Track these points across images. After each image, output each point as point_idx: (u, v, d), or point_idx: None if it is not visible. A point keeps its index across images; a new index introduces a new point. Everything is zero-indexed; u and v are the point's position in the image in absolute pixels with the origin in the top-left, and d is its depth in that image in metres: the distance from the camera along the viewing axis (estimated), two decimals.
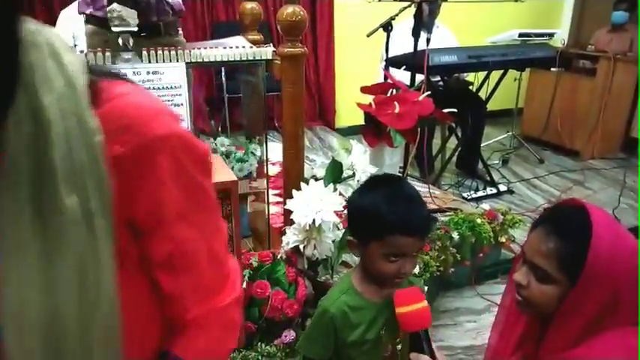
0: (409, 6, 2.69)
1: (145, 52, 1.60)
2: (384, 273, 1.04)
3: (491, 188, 3.45)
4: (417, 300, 1.01)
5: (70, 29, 2.91)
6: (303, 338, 1.20)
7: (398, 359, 1.14)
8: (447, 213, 2.64)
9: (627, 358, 0.85)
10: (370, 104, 1.89)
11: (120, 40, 1.56)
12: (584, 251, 0.86)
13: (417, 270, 1.96)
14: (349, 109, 4.73)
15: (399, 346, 1.13)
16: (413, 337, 0.99)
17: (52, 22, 3.25)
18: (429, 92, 1.94)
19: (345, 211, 1.63)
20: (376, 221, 1.02)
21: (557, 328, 0.92)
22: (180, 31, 2.19)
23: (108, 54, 1.56)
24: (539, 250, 0.93)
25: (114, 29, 1.53)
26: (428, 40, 2.68)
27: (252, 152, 2.00)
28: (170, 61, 1.64)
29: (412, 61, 2.72)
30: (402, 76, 2.81)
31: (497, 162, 4.13)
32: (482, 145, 3.81)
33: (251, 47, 1.81)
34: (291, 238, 1.65)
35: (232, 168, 1.87)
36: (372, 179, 1.21)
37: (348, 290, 1.11)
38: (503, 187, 3.51)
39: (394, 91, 1.98)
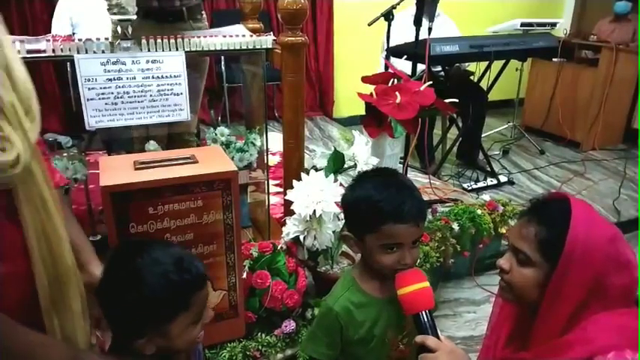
0: None
1: (144, 41, 1.59)
2: (385, 265, 1.02)
3: (492, 179, 3.45)
4: (418, 280, 1.00)
5: (67, 16, 2.90)
6: (307, 339, 1.18)
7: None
8: (448, 204, 2.64)
9: (622, 337, 0.87)
10: (371, 94, 1.88)
11: (118, 29, 1.55)
12: (563, 235, 0.90)
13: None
14: (348, 99, 4.72)
15: (406, 341, 1.13)
16: (417, 321, 0.98)
17: (51, 8, 3.22)
18: (430, 82, 1.93)
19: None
20: (369, 212, 1.01)
21: (545, 317, 0.94)
22: (204, 15, 2.19)
23: (107, 42, 1.54)
24: (520, 234, 0.97)
25: (112, 17, 1.51)
26: (429, 30, 2.66)
27: (252, 142, 1.99)
28: (169, 49, 1.63)
29: (413, 51, 2.70)
30: (403, 65, 2.80)
31: (497, 153, 4.12)
32: (482, 135, 3.80)
33: (251, 36, 1.79)
34: (291, 229, 1.65)
35: (232, 158, 1.86)
36: (362, 174, 1.20)
37: (350, 287, 1.10)
38: (503, 178, 3.50)
39: (395, 80, 1.96)
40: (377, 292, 1.09)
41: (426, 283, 1.00)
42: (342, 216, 1.68)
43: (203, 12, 2.20)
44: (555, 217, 0.93)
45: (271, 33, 1.85)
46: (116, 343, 0.97)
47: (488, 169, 3.55)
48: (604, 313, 0.89)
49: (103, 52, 1.54)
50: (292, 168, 1.84)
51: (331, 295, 1.13)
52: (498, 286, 1.05)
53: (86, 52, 1.52)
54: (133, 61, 1.59)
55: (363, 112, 1.97)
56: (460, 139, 3.60)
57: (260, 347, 1.57)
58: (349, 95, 4.63)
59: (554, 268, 0.91)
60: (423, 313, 0.97)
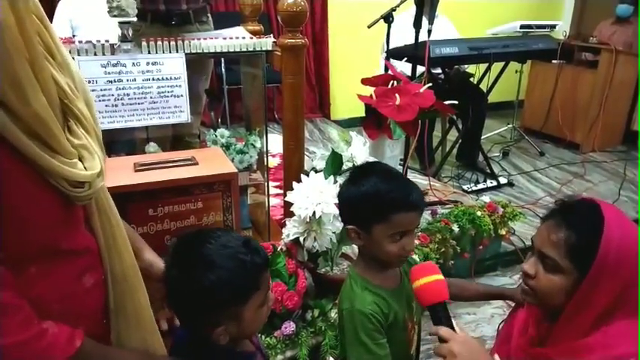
0: None
1: (144, 43, 1.59)
2: (391, 254, 1.07)
3: (492, 181, 3.45)
4: (432, 273, 1.00)
5: (67, 18, 2.90)
6: (361, 353, 1.08)
7: (412, 341, 1.18)
8: (447, 205, 2.64)
9: None
10: (371, 96, 1.88)
11: (119, 31, 1.55)
12: (595, 242, 0.87)
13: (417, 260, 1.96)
14: (348, 101, 4.72)
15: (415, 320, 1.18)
16: (431, 312, 0.98)
17: (51, 10, 3.22)
18: (430, 84, 1.93)
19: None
20: (379, 203, 1.04)
21: (568, 321, 0.92)
22: (210, 18, 2.20)
23: (107, 45, 1.55)
24: (549, 240, 0.94)
25: (112, 19, 1.51)
26: (429, 32, 2.67)
27: (252, 144, 1.99)
28: (169, 51, 1.63)
29: (413, 53, 2.71)
30: (402, 67, 2.80)
31: (497, 154, 4.13)
32: (482, 137, 3.80)
33: (251, 38, 1.79)
34: (291, 230, 1.65)
35: (232, 160, 1.86)
36: (357, 169, 1.23)
37: (366, 285, 1.11)
38: (503, 180, 3.50)
39: (395, 82, 1.97)
40: (385, 283, 1.13)
41: (440, 276, 1.00)
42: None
43: (209, 14, 2.21)
44: (586, 223, 0.90)
45: (271, 35, 1.86)
46: (178, 346, 0.99)
47: (488, 170, 3.55)
48: (626, 321, 0.88)
49: (104, 54, 1.54)
50: (292, 170, 1.84)
51: (354, 300, 1.10)
52: (520, 289, 1.04)
53: (86, 54, 1.53)
54: (133, 63, 1.59)
55: (363, 114, 1.98)
56: (460, 140, 3.60)
57: None
58: (349, 97, 4.63)
59: (584, 274, 0.88)
60: (438, 304, 0.97)
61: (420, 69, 2.81)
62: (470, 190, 3.25)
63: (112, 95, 1.59)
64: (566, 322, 0.93)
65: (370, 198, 1.06)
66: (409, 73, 2.76)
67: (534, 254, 0.99)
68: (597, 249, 0.87)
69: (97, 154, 0.79)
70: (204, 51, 1.69)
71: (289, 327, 1.60)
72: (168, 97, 1.66)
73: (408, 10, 3.06)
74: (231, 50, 1.74)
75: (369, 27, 2.69)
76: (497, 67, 3.41)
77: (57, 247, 0.75)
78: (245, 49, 1.76)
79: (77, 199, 0.75)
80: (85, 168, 0.75)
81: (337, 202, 1.23)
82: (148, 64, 1.61)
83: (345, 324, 1.11)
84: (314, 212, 1.55)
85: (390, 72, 2.10)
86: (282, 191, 1.96)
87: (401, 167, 2.38)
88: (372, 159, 1.75)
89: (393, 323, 1.11)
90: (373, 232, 1.07)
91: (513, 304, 1.23)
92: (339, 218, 1.66)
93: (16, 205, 0.67)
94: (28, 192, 0.68)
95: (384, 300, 1.10)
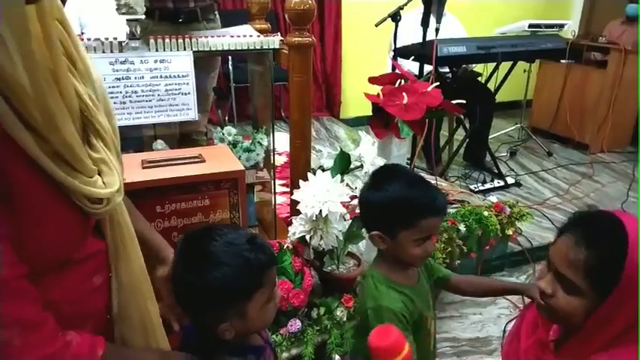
0: None
1: (152, 41, 1.59)
2: (415, 257, 1.10)
3: (499, 181, 3.43)
4: (400, 348, 0.91)
5: (75, 16, 2.92)
6: None
7: (432, 336, 1.21)
8: (454, 205, 2.63)
9: None
10: (378, 95, 1.88)
11: (127, 28, 1.56)
12: (617, 265, 0.83)
13: None
14: (355, 100, 4.72)
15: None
16: None
17: None
18: (437, 83, 1.92)
19: (354, 204, 1.63)
20: (406, 209, 1.06)
21: (584, 339, 0.90)
22: (217, 16, 2.21)
23: (115, 42, 1.55)
24: (567, 260, 0.88)
25: (120, 16, 1.52)
26: (437, 31, 2.66)
27: (259, 142, 2.00)
28: (177, 49, 1.63)
29: (421, 52, 2.70)
30: (410, 66, 2.80)
31: (505, 154, 4.11)
32: (490, 137, 3.78)
33: (258, 36, 1.79)
34: (297, 229, 1.65)
35: (239, 158, 1.87)
36: (378, 173, 1.23)
37: (390, 285, 1.13)
38: (510, 180, 3.49)
39: (402, 81, 1.96)
40: (408, 281, 1.15)
41: (406, 350, 0.91)
42: (348, 216, 1.68)
43: (216, 12, 2.22)
44: (608, 243, 0.85)
45: (279, 33, 1.86)
46: (188, 340, 1.00)
47: (496, 170, 3.54)
48: (635, 345, 0.85)
49: (112, 51, 1.55)
50: (299, 168, 1.84)
51: (380, 298, 1.11)
52: (536, 303, 0.99)
53: (95, 52, 1.53)
54: (141, 60, 1.59)
55: (370, 113, 1.97)
56: (467, 140, 3.59)
57: None
58: (356, 96, 4.63)
59: (604, 295, 0.85)
60: None
61: (428, 68, 2.80)
62: (477, 189, 3.24)
63: (120, 93, 1.59)
64: (581, 340, 0.90)
65: (397, 204, 1.07)
66: (416, 72, 2.75)
67: (551, 270, 0.94)
68: (620, 271, 0.82)
69: (115, 170, 0.78)
70: (212, 49, 1.70)
71: (295, 325, 1.61)
72: (175, 94, 1.67)
73: (416, 9, 3.05)
74: (239, 48, 1.74)
75: (376, 25, 2.69)
76: (505, 66, 3.39)
77: (70, 257, 0.75)
78: (252, 47, 1.76)
79: (94, 215, 0.76)
80: (104, 183, 0.75)
81: (359, 207, 1.24)
82: (155, 61, 1.61)
83: (371, 323, 1.10)
84: (320, 211, 1.55)
85: (397, 71, 2.09)
86: (288, 189, 1.96)
87: (408, 166, 2.37)
88: (379, 159, 1.75)
89: (417, 320, 1.13)
90: (399, 237, 1.08)
91: (520, 306, 1.23)
92: (346, 217, 1.66)
93: (41, 226, 0.67)
94: (53, 213, 0.69)
95: (408, 297, 1.12)
